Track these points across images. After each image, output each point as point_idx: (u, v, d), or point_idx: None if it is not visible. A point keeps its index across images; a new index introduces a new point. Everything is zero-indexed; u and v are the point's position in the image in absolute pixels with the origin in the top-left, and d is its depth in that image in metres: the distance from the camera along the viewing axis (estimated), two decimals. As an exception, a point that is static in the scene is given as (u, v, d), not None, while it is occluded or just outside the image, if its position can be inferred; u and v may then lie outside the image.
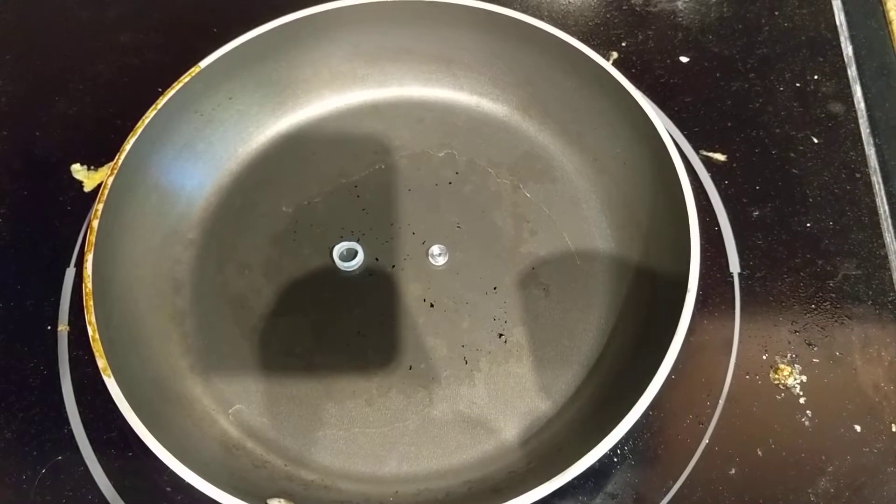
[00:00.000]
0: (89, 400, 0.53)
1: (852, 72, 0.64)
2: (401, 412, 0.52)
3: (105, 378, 0.46)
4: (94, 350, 0.47)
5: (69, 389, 0.53)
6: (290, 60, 0.60)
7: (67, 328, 0.55)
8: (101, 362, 0.47)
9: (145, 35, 0.68)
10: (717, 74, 0.65)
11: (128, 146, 0.53)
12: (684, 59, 0.65)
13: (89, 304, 0.48)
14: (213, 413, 0.52)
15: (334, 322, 0.55)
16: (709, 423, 0.51)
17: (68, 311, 0.56)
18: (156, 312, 0.54)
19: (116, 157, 0.53)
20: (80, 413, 0.53)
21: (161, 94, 0.55)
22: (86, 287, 0.49)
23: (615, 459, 0.51)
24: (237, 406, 0.52)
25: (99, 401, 0.53)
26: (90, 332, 0.47)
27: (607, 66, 0.55)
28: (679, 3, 0.68)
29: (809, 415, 0.52)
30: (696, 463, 0.50)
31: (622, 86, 0.55)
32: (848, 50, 0.66)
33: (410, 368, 0.53)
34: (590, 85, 0.57)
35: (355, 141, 0.61)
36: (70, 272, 0.57)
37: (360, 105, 0.63)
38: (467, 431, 0.51)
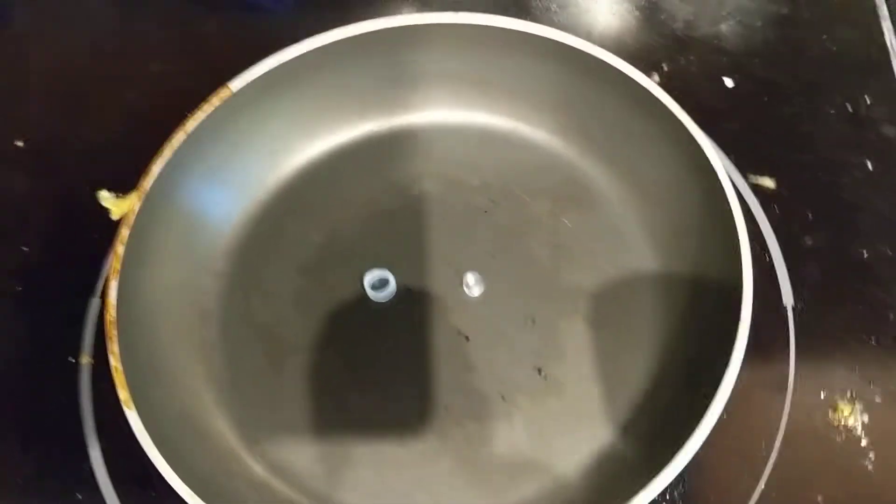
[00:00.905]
0: (111, 435, 0.51)
1: (906, 94, 0.62)
2: (434, 452, 0.49)
3: (126, 410, 0.44)
4: (116, 381, 0.45)
5: (90, 424, 0.51)
6: (322, 85, 0.58)
7: (90, 360, 0.53)
8: (123, 394, 0.44)
9: (174, 63, 0.67)
10: (764, 98, 0.62)
11: (156, 169, 0.51)
12: (729, 83, 0.63)
13: (112, 332, 0.46)
14: (238, 450, 0.50)
15: (366, 355, 0.52)
16: (764, 467, 0.48)
17: (92, 343, 0.54)
18: (181, 343, 0.52)
19: (144, 180, 0.51)
20: (101, 449, 0.50)
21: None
22: (108, 315, 0.47)
23: (664, 504, 0.48)
24: (264, 443, 0.50)
25: (121, 437, 0.49)
26: (112, 363, 0.45)
27: (652, 86, 0.53)
28: (722, 27, 0.66)
29: (872, 458, 0.48)
30: (752, 509, 0.47)
31: (668, 108, 0.52)
32: (900, 72, 0.63)
33: (446, 409, 0.51)
34: (633, 108, 0.55)
35: (387, 167, 0.59)
36: (95, 302, 0.55)
37: (393, 131, 0.60)
38: (504, 473, 0.49)
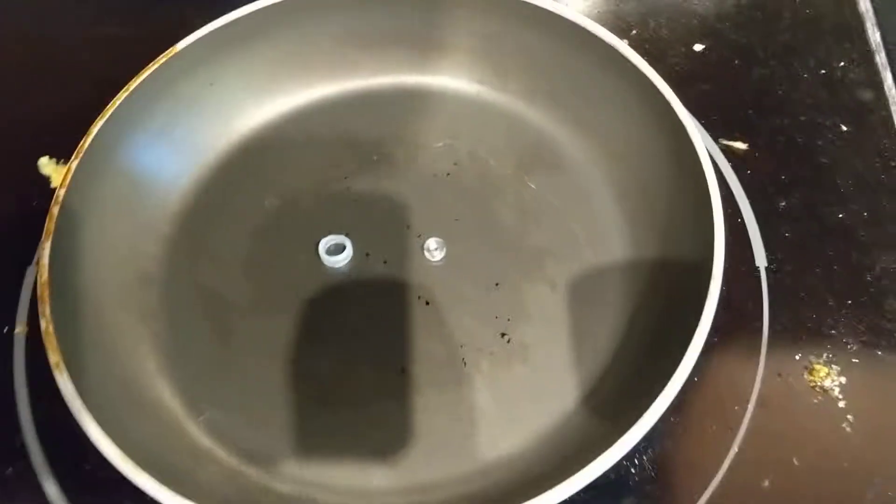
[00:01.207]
0: (47, 408, 0.47)
1: (881, 58, 0.60)
2: (392, 419, 0.46)
3: (56, 375, 0.41)
4: (47, 344, 0.42)
5: (24, 395, 0.48)
6: (275, 45, 0.56)
7: (25, 329, 0.50)
8: (54, 357, 0.41)
9: (124, 27, 0.64)
10: (736, 62, 0.60)
11: (95, 129, 0.49)
12: (699, 48, 0.61)
13: (44, 294, 0.43)
14: (181, 419, 0.46)
15: (319, 322, 0.50)
16: (738, 430, 0.46)
17: (27, 312, 0.51)
18: (123, 309, 0.49)
19: (83, 139, 0.48)
20: (34, 421, 0.47)
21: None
22: (40, 277, 0.44)
23: (633, 471, 0.45)
24: (209, 412, 0.47)
25: (57, 408, 0.47)
26: (42, 326, 0.42)
27: (622, 46, 0.51)
28: (693, -9, 0.64)
29: (851, 420, 0.46)
30: (725, 474, 0.44)
31: (638, 68, 0.50)
32: (875, 36, 0.61)
33: (403, 371, 0.48)
34: (602, 69, 0.53)
35: (346, 131, 0.57)
36: (31, 270, 0.52)
37: (351, 93, 0.58)
38: (466, 440, 0.46)
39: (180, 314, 0.50)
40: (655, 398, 0.40)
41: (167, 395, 0.47)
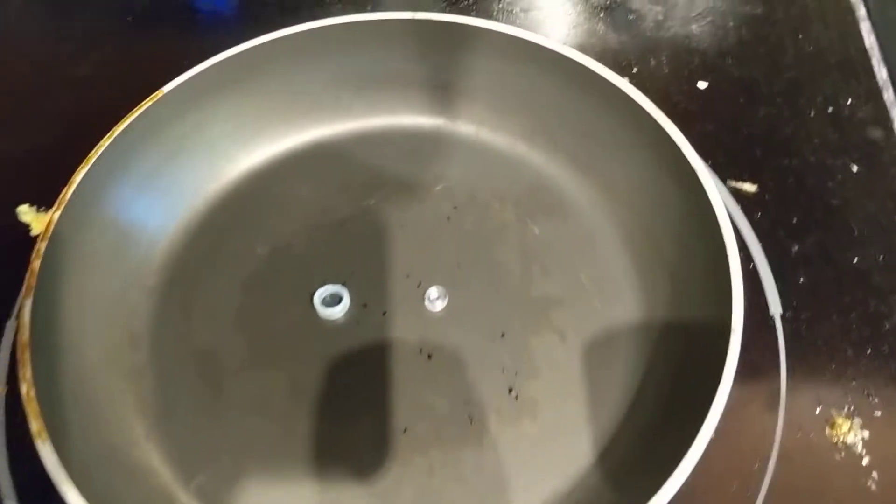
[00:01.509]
0: (28, 474, 0.45)
1: (889, 95, 0.59)
2: (395, 484, 0.44)
3: (38, 443, 0.38)
4: (28, 410, 0.39)
5: (3, 461, 0.45)
6: (265, 87, 0.54)
7: (5, 388, 0.47)
8: (36, 425, 0.39)
9: (104, 68, 0.62)
10: (741, 100, 0.59)
11: (78, 177, 0.46)
12: (702, 85, 0.59)
13: (25, 357, 0.40)
14: (172, 486, 0.44)
15: (316, 378, 0.47)
16: (759, 490, 0.43)
17: (6, 370, 0.48)
18: (108, 369, 0.46)
19: (65, 189, 0.46)
20: (15, 488, 0.44)
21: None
22: (21, 337, 0.41)
23: (651, 535, 0.42)
24: (200, 478, 0.44)
25: (38, 475, 0.44)
26: (23, 390, 0.39)
27: (625, 85, 0.49)
28: (693, 27, 0.63)
29: (875, 477, 0.44)
30: (748, 538, 0.42)
31: (643, 108, 0.49)
32: (882, 73, 0.60)
33: (405, 431, 0.45)
34: (604, 109, 0.51)
35: (340, 175, 0.55)
36: (11, 325, 0.49)
37: (345, 136, 0.56)
38: (474, 504, 0.43)
39: (169, 373, 0.47)
40: (677, 462, 0.37)
41: (156, 461, 0.45)
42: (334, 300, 0.49)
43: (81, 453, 0.40)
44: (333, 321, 0.49)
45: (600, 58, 0.59)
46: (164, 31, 0.66)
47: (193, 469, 0.44)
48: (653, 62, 0.61)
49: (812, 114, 0.58)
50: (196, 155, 0.53)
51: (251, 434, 0.45)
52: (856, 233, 0.52)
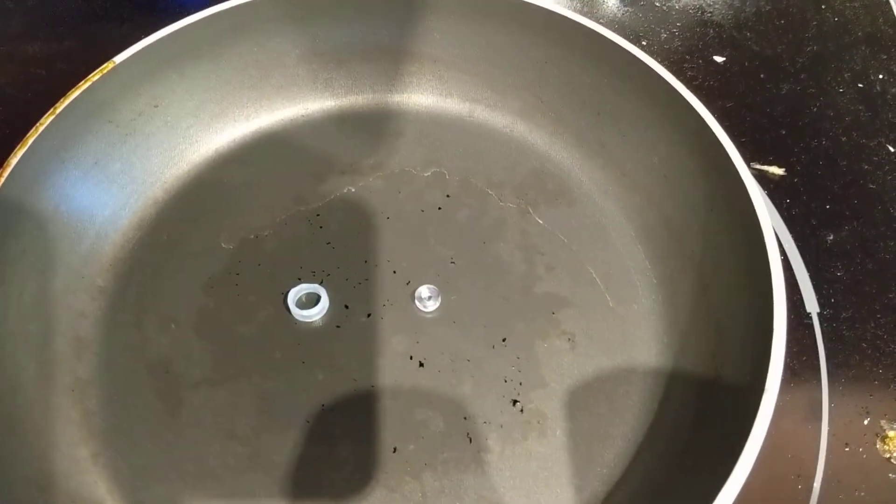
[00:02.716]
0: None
1: (923, 70, 0.53)
2: (383, 513, 0.38)
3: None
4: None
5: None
6: (231, 60, 0.48)
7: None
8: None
9: (52, 43, 0.55)
10: (762, 75, 0.53)
11: (14, 160, 0.40)
12: (719, 59, 0.54)
13: (-58, 371, 0.34)
14: (120, 521, 0.37)
15: (289, 392, 0.41)
16: (804, 516, 0.38)
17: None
18: (48, 383, 0.40)
19: (-2, 173, 0.40)
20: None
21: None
22: (-61, 348, 0.35)
23: (680, 571, 0.36)
24: (155, 510, 0.38)
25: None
26: (-60, 411, 0.33)
27: (640, 53, 0.43)
28: (706, -2, 0.57)
29: (936, 499, 0.38)
30: (794, 572, 0.37)
31: (662, 78, 0.43)
32: (914, 46, 0.54)
33: (395, 451, 0.39)
34: (616, 80, 0.46)
35: (317, 159, 0.48)
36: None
37: (322, 115, 0.50)
38: (475, 537, 0.37)
39: (120, 386, 0.41)
40: (719, 485, 0.32)
41: (103, 488, 0.39)
42: (311, 301, 0.43)
43: (13, 482, 0.34)
44: (310, 325, 0.43)
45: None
46: (122, 4, 0.59)
47: (146, 497, 0.38)
48: (664, 35, 0.55)
49: (840, 90, 0.52)
50: (152, 136, 0.47)
51: (214, 456, 0.39)
52: (897, 220, 0.47)
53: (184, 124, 0.47)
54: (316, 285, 0.43)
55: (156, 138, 0.46)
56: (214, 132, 0.48)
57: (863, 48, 0.54)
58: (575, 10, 0.56)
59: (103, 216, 0.45)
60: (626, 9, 0.56)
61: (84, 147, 0.44)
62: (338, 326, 0.43)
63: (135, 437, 0.40)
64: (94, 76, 0.43)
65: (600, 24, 0.46)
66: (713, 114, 0.43)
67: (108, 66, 0.43)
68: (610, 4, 0.57)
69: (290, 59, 0.49)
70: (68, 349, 0.41)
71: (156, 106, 0.46)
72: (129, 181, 0.46)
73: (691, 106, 0.42)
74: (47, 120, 0.41)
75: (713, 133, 0.41)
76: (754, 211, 0.38)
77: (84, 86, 0.43)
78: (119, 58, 0.44)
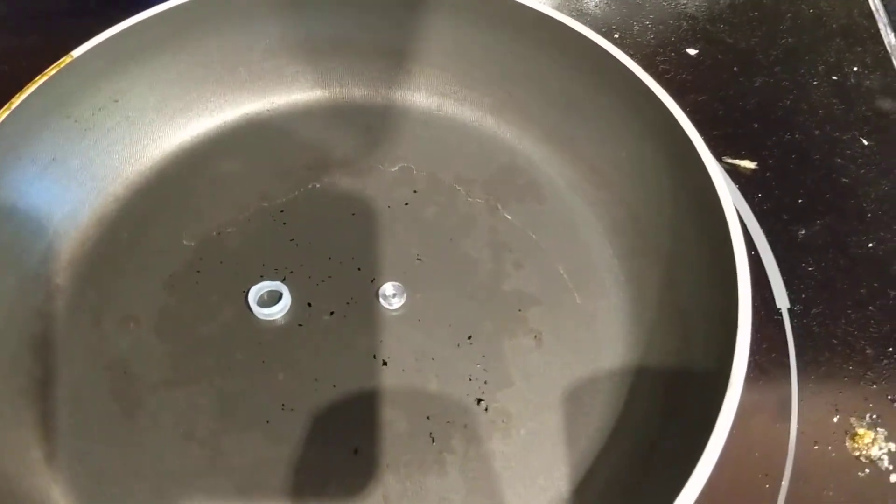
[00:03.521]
0: None
1: (899, 63, 0.53)
2: (343, 515, 0.37)
3: None
4: None
5: None
6: (195, 54, 0.47)
7: None
8: None
9: (19, 38, 0.54)
10: (735, 68, 0.52)
11: (-34, 156, 0.39)
12: (692, 52, 0.53)
13: None
14: (75, 526, 0.37)
15: (250, 392, 0.40)
16: (772, 515, 0.37)
17: None
18: (2, 383, 0.39)
19: (-52, 171, 0.39)
20: None
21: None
22: None
23: (645, 573, 0.36)
24: (111, 514, 0.37)
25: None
26: None
27: (610, 47, 0.43)
28: (681, -10, 0.56)
29: (907, 498, 0.38)
30: (761, 573, 0.36)
31: (631, 72, 0.42)
32: (890, 38, 0.54)
33: (356, 453, 0.38)
34: (585, 74, 0.45)
35: (280, 155, 0.48)
36: None
37: (287, 110, 0.49)
38: (437, 539, 0.37)
39: (77, 387, 0.40)
40: (674, 493, 0.31)
41: (57, 492, 0.38)
42: (272, 299, 0.42)
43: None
44: (272, 323, 0.42)
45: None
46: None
47: (103, 501, 0.37)
48: (637, 27, 0.54)
49: (814, 83, 0.52)
50: (112, 132, 0.46)
51: (172, 459, 0.38)
52: (869, 215, 0.46)
53: (145, 119, 0.46)
54: (278, 283, 0.43)
55: (116, 134, 0.45)
56: (177, 127, 0.47)
57: (837, 40, 0.54)
58: (545, 3, 0.55)
59: (62, 213, 0.44)
60: (599, 1, 0.56)
61: (41, 143, 0.43)
62: (300, 325, 0.42)
63: (91, 439, 0.39)
64: (51, 70, 0.42)
65: (572, 16, 0.45)
66: (685, 107, 0.42)
67: (65, 61, 0.42)
68: (583, -3, 0.56)
69: (255, 53, 0.48)
70: (23, 349, 0.40)
71: (116, 101, 0.45)
72: (88, 178, 0.45)
73: (659, 100, 0.41)
74: (2, 116, 0.40)
75: (681, 127, 0.40)
76: (721, 205, 0.38)
77: (40, 80, 0.42)
78: (77, 51, 0.43)
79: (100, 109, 0.45)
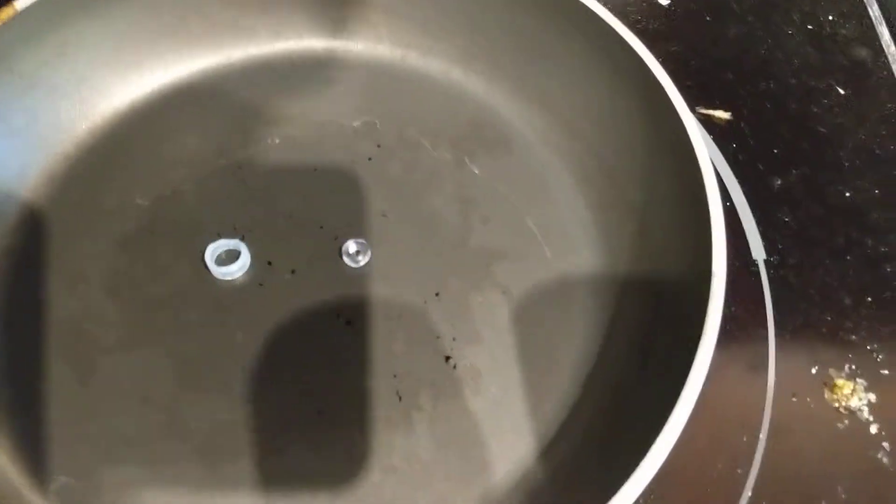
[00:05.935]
0: None
1: (874, 11, 0.51)
2: (307, 476, 0.35)
3: None
4: None
5: None
6: (147, 5, 0.44)
7: None
8: None
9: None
10: (708, 18, 0.51)
11: None
12: (664, 2, 0.52)
13: None
14: (23, 490, 0.35)
15: (209, 354, 0.38)
16: (749, 468, 0.36)
17: None
18: (-56, 350, 0.37)
19: None
20: None
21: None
22: None
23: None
24: (62, 480, 0.35)
25: None
26: None
27: (579, -6, 0.41)
28: (651, -61, 0.55)
29: (887, 448, 0.37)
30: (738, 527, 0.35)
31: (602, 20, 0.41)
32: (866, -15, 0.52)
33: (320, 413, 0.37)
34: (555, 23, 0.43)
35: (240, 110, 0.46)
36: None
37: (245, 63, 0.47)
38: (405, 499, 0.35)
39: (25, 352, 0.38)
40: (648, 444, 0.30)
41: (4, 458, 0.36)
42: (230, 257, 0.40)
43: None
44: (230, 282, 0.40)
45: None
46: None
47: (53, 468, 0.36)
48: (606, -23, 0.53)
49: (790, 32, 0.50)
50: (60, 88, 0.43)
51: (128, 424, 0.37)
52: (846, 164, 0.45)
53: (96, 74, 0.44)
54: (236, 241, 0.41)
55: (64, 90, 0.43)
56: (129, 83, 0.45)
57: (812, -11, 0.52)
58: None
59: (9, 173, 0.42)
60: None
61: (-17, 99, 0.41)
62: (260, 284, 0.40)
63: (41, 405, 0.37)
64: (-7, 22, 0.40)
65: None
66: (657, 58, 0.41)
67: (7, 12, 0.40)
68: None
69: (210, 4, 0.46)
70: (-31, 314, 0.39)
71: (63, 54, 0.43)
72: (34, 136, 0.43)
73: (632, 48, 0.40)
74: (-59, 70, 0.38)
75: (654, 75, 0.39)
76: (695, 155, 0.36)
77: (-19, 33, 0.40)
78: (20, 2, 0.40)
79: (45, 63, 0.42)
